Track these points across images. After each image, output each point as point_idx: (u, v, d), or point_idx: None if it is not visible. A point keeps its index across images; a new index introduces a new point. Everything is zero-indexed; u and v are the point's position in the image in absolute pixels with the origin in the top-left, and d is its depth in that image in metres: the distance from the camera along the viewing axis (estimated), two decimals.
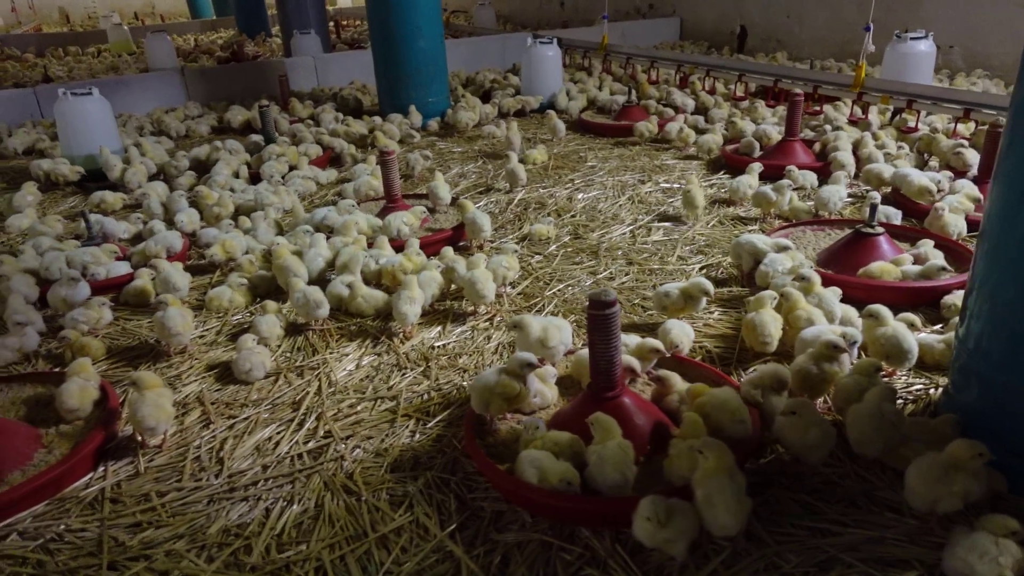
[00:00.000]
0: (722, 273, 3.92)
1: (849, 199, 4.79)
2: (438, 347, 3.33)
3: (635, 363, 2.71)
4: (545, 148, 6.35)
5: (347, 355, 3.29)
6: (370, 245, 4.16)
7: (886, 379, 2.84)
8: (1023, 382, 2.20)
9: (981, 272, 2.32)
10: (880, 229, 3.70)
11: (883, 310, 2.86)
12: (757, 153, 5.75)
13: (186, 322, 3.31)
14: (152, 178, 6.05)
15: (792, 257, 3.53)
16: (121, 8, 23.83)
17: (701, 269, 3.97)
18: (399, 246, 4.14)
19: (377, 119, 7.52)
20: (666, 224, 4.64)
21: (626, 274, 3.96)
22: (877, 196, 4.20)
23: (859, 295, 3.32)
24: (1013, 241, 2.16)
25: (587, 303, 2.33)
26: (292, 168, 6.02)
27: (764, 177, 4.95)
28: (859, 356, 2.89)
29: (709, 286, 3.17)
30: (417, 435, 2.71)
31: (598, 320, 2.33)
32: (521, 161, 6.04)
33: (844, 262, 3.67)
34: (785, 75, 7.41)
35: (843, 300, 3.22)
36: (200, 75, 9.74)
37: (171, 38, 12.65)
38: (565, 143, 6.85)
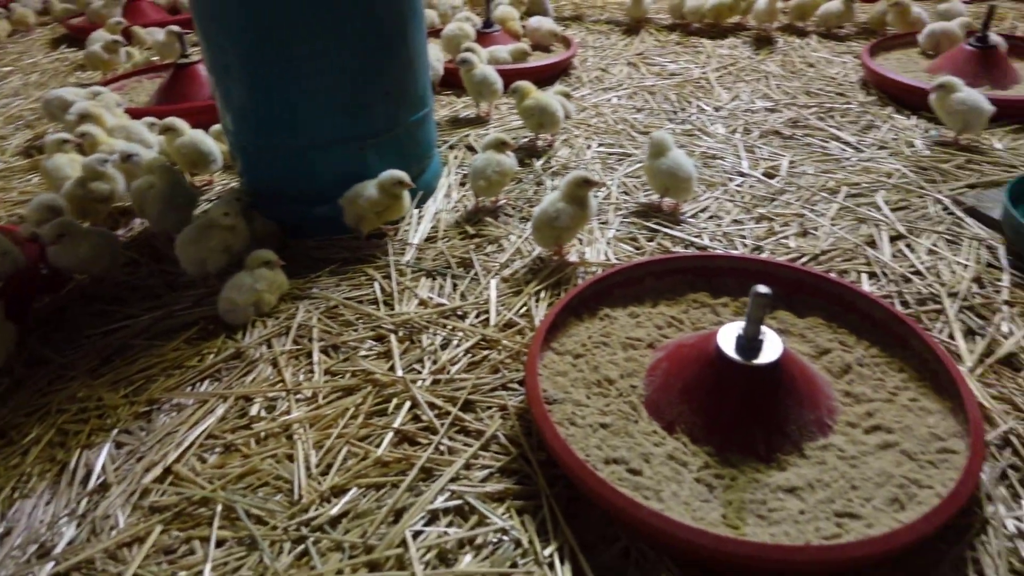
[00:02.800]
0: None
1: None
2: None
3: None
4: None
5: None
6: None
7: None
8: (257, 145, 2.49)
9: (209, 64, 2.45)
10: (196, 59, 3.73)
11: (178, 122, 2.90)
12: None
13: None
14: None
15: (104, 103, 3.33)
16: None
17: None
18: None
19: None
20: None
21: None
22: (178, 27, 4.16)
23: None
24: (218, 35, 2.32)
25: None
26: None
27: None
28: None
29: None
30: None
31: None
32: None
33: (170, 95, 3.64)
34: None
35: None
36: None
37: None
38: None
